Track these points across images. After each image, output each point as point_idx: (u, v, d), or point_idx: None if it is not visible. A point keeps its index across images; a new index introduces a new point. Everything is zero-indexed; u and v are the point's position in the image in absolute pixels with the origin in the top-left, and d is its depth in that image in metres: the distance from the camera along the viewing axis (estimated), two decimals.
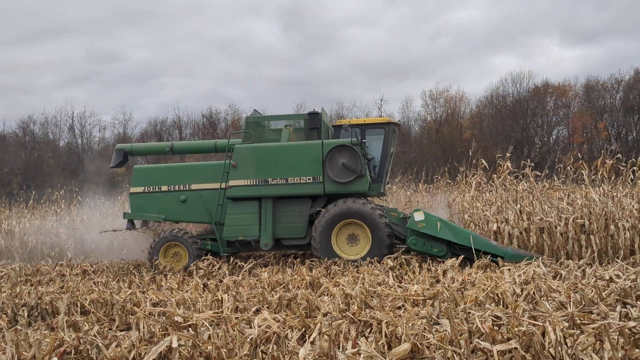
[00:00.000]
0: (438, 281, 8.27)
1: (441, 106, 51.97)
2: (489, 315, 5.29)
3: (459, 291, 6.92)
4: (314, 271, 9.47)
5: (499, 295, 6.45)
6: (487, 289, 6.65)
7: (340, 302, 6.65)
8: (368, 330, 5.44)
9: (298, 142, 12.07)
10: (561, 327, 4.58)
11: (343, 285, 7.61)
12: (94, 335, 5.25)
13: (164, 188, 12.31)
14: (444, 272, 8.88)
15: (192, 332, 5.36)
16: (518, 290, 6.67)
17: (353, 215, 11.28)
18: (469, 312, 5.56)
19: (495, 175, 13.92)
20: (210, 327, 5.48)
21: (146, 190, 12.37)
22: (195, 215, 12.33)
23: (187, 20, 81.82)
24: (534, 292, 6.55)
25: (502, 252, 10.36)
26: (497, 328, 4.85)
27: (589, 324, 4.97)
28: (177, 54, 77.39)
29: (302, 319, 5.53)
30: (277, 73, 76.63)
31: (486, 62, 75.76)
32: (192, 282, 8.96)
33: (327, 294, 7.44)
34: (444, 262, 9.95)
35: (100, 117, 70.01)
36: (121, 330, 6.27)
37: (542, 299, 6.33)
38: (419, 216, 10.86)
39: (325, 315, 6.20)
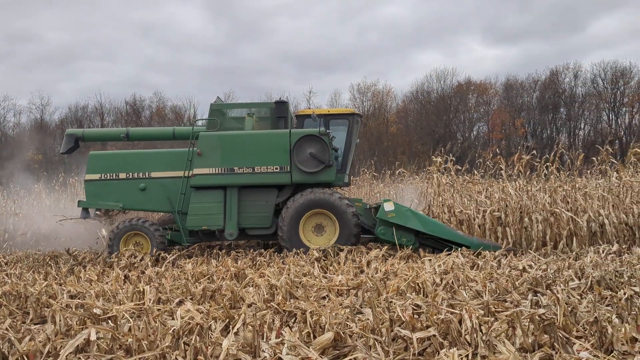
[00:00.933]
0: (362, 272, 8.42)
1: (369, 100, 52.91)
2: (410, 304, 5.45)
3: (381, 281, 7.08)
4: (239, 262, 9.40)
5: (420, 284, 6.65)
6: (408, 279, 6.84)
7: (265, 293, 6.66)
8: (292, 321, 5.47)
9: (265, 131, 11.85)
10: (477, 314, 4.78)
11: (268, 276, 7.61)
12: (6, 329, 5.01)
13: (122, 175, 11.89)
14: (368, 263, 9.06)
15: (112, 325, 5.21)
16: (438, 280, 6.91)
17: (321, 205, 11.27)
18: (391, 302, 5.70)
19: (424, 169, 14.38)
20: (130, 319, 5.34)
21: (103, 178, 11.91)
22: (156, 204, 11.98)
23: (108, 2, 78.90)
24: (452, 281, 6.80)
25: (468, 241, 10.72)
26: (417, 316, 5.00)
27: (502, 311, 5.21)
28: (97, 37, 74.62)
29: (226, 310, 5.49)
30: (203, 61, 75.54)
31: (412, 58, 77.83)
32: (113, 273, 8.68)
33: (252, 285, 7.42)
34: (368, 253, 10.13)
35: (15, 101, 66.48)
36: (36, 324, 5.99)
37: (460, 288, 6.58)
38: (389, 206, 10.98)
39: (249, 306, 6.18)
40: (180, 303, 6.39)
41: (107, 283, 7.92)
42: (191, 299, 6.69)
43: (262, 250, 11.38)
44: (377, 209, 11.60)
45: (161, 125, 48.05)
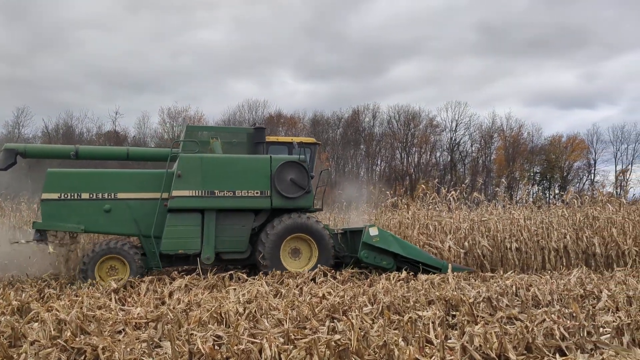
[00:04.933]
0: (164, 303, 8.09)
1: (179, 125, 51.87)
2: (211, 335, 5.34)
3: (183, 312, 6.85)
4: (23, 295, 8.46)
5: (223, 315, 6.56)
6: (211, 309, 6.71)
7: (52, 329, 6.03)
8: (82, 358, 5.03)
9: (247, 156, 11.99)
10: (277, 343, 4.84)
11: (57, 310, 6.92)
12: None
13: (85, 195, 11.02)
14: (171, 294, 8.74)
15: None
16: (241, 310, 6.88)
17: (302, 230, 11.59)
18: (192, 333, 5.53)
19: None
20: None
21: (62, 197, 10.91)
22: (121, 226, 11.15)
23: None
24: (255, 310, 6.82)
25: (440, 264, 11.56)
26: (218, 347, 4.91)
27: (301, 338, 5.33)
28: None
29: (3, 350, 4.86)
30: None
31: (226, 85, 78.33)
32: None
33: (38, 320, 6.69)
34: (171, 283, 9.79)
35: None
36: None
37: (262, 316, 6.62)
38: (373, 231, 11.53)
39: (32, 343, 5.55)
40: None
41: None
42: None
43: (53, 282, 10.39)
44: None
45: None
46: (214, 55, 79.51)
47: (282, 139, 13.42)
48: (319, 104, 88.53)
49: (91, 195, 11.12)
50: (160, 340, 5.80)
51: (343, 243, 12.56)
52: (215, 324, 6.33)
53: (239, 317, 6.58)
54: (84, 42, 73.50)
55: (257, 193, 11.50)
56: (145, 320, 6.59)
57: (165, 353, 4.91)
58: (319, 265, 11.35)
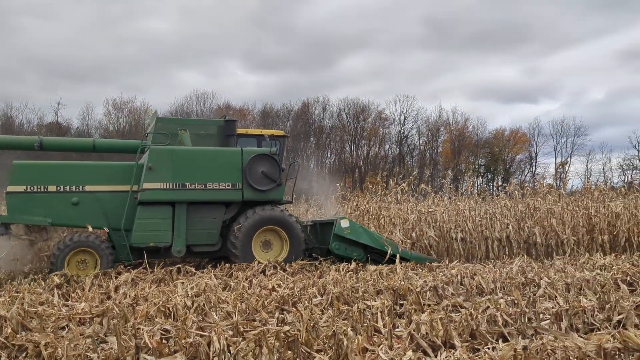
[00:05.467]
0: (109, 297, 7.92)
1: (125, 117, 50.67)
2: (158, 329, 5.27)
3: (130, 307, 6.72)
4: None
5: (170, 308, 6.48)
6: (159, 303, 6.62)
7: None
8: (23, 355, 4.88)
9: (218, 148, 11.95)
10: (226, 335, 4.81)
11: None
12: None
13: (52, 188, 10.85)
14: (116, 288, 8.55)
15: None
16: (189, 303, 6.81)
17: (274, 222, 11.66)
18: (139, 328, 5.44)
19: None
20: None
21: (28, 190, 10.74)
22: (89, 219, 10.93)
23: None
24: (204, 303, 6.76)
25: (408, 255, 11.97)
26: (166, 341, 4.85)
27: (251, 330, 5.33)
28: None
29: None
30: None
31: (173, 76, 76.76)
32: None
33: None
34: (117, 277, 9.59)
35: None
36: None
37: (211, 310, 6.57)
38: (345, 223, 11.76)
39: None
40: None
41: None
42: None
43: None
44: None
45: None
46: (160, 45, 77.86)
47: (252, 131, 13.48)
48: (268, 95, 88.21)
49: (58, 188, 10.98)
50: (105, 336, 5.69)
51: (312, 235, 12.74)
52: (163, 317, 6.25)
53: (187, 311, 6.52)
54: (23, 30, 70.64)
55: (228, 186, 11.51)
56: (90, 316, 6.43)
57: (111, 348, 4.81)
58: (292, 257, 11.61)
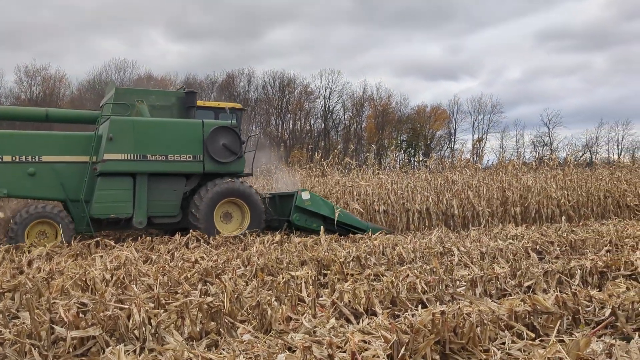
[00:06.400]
0: (22, 272, 7.55)
1: (38, 85, 47.96)
2: (75, 303, 5.08)
3: (44, 281, 6.44)
4: None
5: (88, 282, 6.27)
6: (75, 276, 6.39)
7: None
8: None
9: (180, 120, 11.93)
10: (147, 308, 4.70)
11: None
12: None
13: (7, 158, 10.59)
14: (30, 263, 8.17)
15: None
16: (108, 277, 6.61)
17: (235, 194, 11.75)
18: (54, 302, 5.22)
19: None
20: None
21: None
22: (46, 190, 10.85)
23: None
24: (124, 277, 6.59)
25: (365, 226, 12.36)
26: (83, 315, 4.68)
27: (172, 302, 5.24)
28: None
29: None
30: None
31: (91, 43, 72.85)
32: None
33: None
34: (29, 252, 9.17)
35: None
36: None
37: (131, 283, 6.41)
38: (305, 195, 11.96)
39: None
40: None
41: None
42: None
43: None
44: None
45: None
46: (76, 10, 73.62)
47: (210, 103, 13.47)
48: (191, 66, 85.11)
49: (14, 158, 10.63)
50: (18, 311, 5.45)
51: (271, 207, 12.85)
52: (80, 291, 6.03)
53: (106, 284, 6.33)
54: None
55: (189, 157, 11.50)
56: (1, 291, 6.12)
57: (24, 323, 4.60)
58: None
